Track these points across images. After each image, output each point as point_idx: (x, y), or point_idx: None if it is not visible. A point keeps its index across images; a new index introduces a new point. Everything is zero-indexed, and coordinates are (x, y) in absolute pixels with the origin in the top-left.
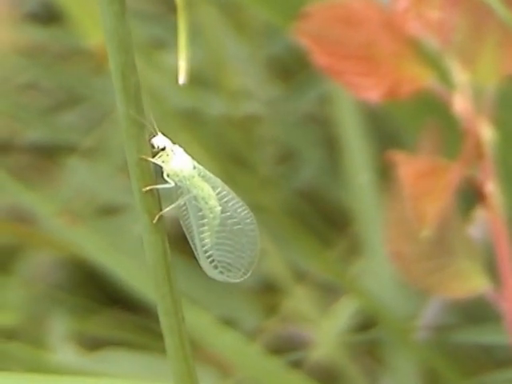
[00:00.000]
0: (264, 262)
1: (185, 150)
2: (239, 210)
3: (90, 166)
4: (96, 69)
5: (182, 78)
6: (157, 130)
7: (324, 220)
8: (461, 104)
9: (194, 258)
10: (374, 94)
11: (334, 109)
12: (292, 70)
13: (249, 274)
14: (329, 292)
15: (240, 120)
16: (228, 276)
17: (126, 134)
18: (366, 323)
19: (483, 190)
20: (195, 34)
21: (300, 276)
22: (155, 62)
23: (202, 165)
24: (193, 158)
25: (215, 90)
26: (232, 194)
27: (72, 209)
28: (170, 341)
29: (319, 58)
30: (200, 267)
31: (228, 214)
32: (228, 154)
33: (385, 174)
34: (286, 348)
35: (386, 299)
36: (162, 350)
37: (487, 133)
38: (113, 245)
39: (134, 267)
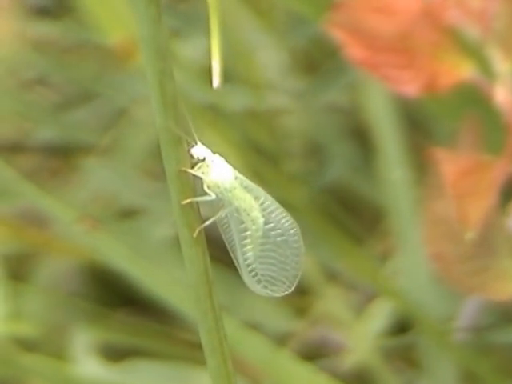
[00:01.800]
0: None
1: (225, 159)
2: (283, 221)
3: (107, 166)
4: (108, 64)
5: (216, 81)
6: (196, 139)
7: (355, 218)
8: (503, 96)
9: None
10: (411, 87)
11: (363, 100)
12: (317, 60)
13: (293, 288)
14: (362, 293)
15: (265, 114)
16: (272, 290)
17: (164, 145)
18: (401, 325)
19: None
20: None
21: (331, 277)
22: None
23: (231, 164)
24: (234, 167)
25: (239, 83)
26: (275, 205)
27: (90, 212)
28: (211, 359)
29: (353, 50)
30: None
31: (271, 225)
32: (253, 150)
33: (419, 168)
34: (318, 353)
35: (421, 300)
36: (186, 358)
37: None
38: (134, 249)
39: (157, 273)
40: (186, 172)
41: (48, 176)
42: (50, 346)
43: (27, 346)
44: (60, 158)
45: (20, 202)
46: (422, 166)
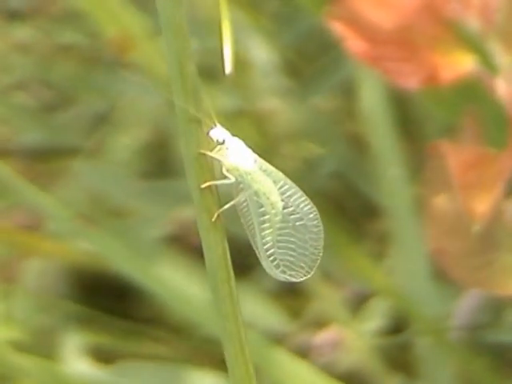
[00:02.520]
0: None
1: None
2: (302, 205)
3: (94, 167)
4: (92, 65)
5: (228, 68)
6: (215, 121)
7: (350, 216)
8: (505, 89)
9: None
10: (412, 81)
11: (356, 98)
12: (308, 60)
13: (312, 273)
14: (358, 292)
15: (256, 113)
16: (290, 275)
17: (183, 127)
18: (397, 324)
19: None
20: (206, 24)
21: (327, 276)
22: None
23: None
24: (253, 150)
25: (229, 83)
26: (295, 188)
27: (82, 212)
28: (229, 346)
29: (354, 43)
30: None
31: (290, 209)
32: None
33: (415, 165)
34: (314, 353)
35: (417, 299)
36: (174, 359)
37: None
38: (127, 248)
39: (152, 270)
40: (204, 155)
41: (34, 179)
42: (39, 347)
43: (17, 347)
44: (46, 162)
45: (8, 203)
46: (417, 163)
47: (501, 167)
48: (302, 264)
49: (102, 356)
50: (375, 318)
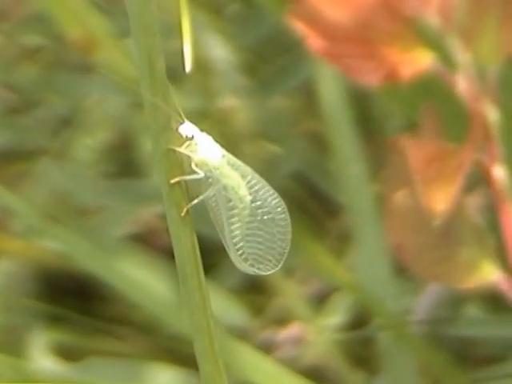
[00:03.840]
0: None
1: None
2: (270, 199)
3: (59, 168)
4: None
5: (188, 66)
6: (184, 117)
7: (312, 213)
8: (464, 85)
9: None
10: (372, 77)
11: (315, 98)
12: (267, 58)
13: (280, 266)
14: (320, 288)
15: (217, 112)
16: (258, 268)
17: (152, 123)
18: (359, 319)
19: (489, 172)
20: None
21: (289, 272)
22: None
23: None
24: (221, 145)
25: (190, 82)
26: (262, 183)
27: (47, 212)
28: (198, 339)
29: (314, 41)
30: None
31: (258, 203)
32: None
33: (374, 162)
34: (277, 348)
35: (378, 294)
36: (141, 357)
37: (492, 114)
38: (92, 247)
39: (117, 269)
40: (173, 150)
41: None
42: (6, 346)
43: None
44: (11, 164)
45: None
46: (377, 161)
47: (460, 161)
48: (270, 257)
49: (69, 354)
50: (337, 314)
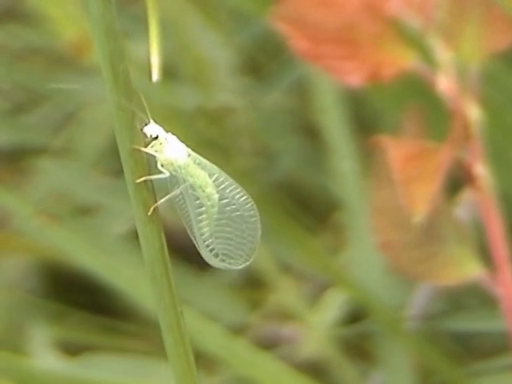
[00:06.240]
0: None
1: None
2: (237, 197)
3: (60, 166)
4: (56, 67)
5: (155, 75)
6: (149, 118)
7: (306, 211)
8: (445, 84)
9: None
10: (355, 77)
11: (310, 95)
12: (264, 58)
13: (250, 261)
14: (315, 284)
15: (214, 112)
16: (229, 263)
17: (117, 124)
18: (354, 315)
19: (472, 171)
20: (163, 25)
21: (284, 269)
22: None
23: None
24: (187, 145)
25: (187, 82)
26: (229, 181)
27: (47, 210)
28: (169, 338)
29: (297, 42)
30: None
31: (226, 200)
32: (204, 148)
33: (368, 160)
34: (273, 345)
35: (373, 290)
36: (143, 352)
37: (474, 112)
38: (91, 245)
39: (115, 266)
40: (139, 150)
41: (0, 179)
42: (8, 343)
43: None
44: (13, 162)
45: None
46: (370, 157)
47: (440, 160)
48: (241, 252)
49: (72, 351)
50: (333, 309)
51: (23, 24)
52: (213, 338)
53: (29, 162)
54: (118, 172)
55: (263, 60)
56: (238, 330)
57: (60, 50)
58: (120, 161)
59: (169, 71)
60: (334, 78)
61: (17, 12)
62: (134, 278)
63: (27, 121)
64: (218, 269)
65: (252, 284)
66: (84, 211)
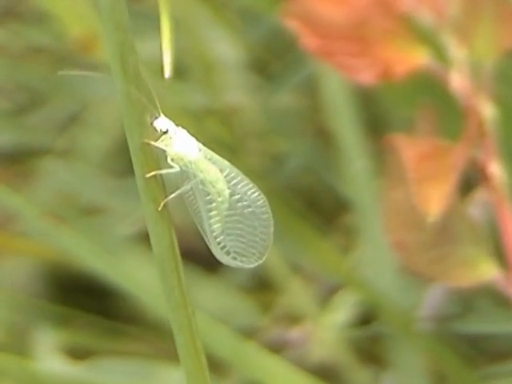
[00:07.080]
0: None
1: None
2: (249, 193)
3: (65, 167)
4: (60, 66)
5: (167, 72)
6: (159, 111)
7: (317, 211)
8: (458, 81)
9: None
10: (367, 75)
11: (321, 94)
12: (274, 56)
13: (264, 259)
14: (326, 286)
15: (223, 110)
16: (242, 261)
17: (126, 118)
18: (365, 317)
19: (486, 170)
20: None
21: (295, 270)
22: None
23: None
24: (197, 139)
25: (196, 80)
26: (241, 176)
27: (52, 212)
28: (179, 337)
29: (308, 40)
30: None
31: (237, 196)
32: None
33: (380, 159)
34: (284, 346)
35: (384, 291)
36: (150, 356)
37: (488, 110)
38: (97, 246)
39: (122, 267)
40: (149, 145)
41: (5, 180)
42: (13, 346)
43: None
44: (18, 163)
45: None
46: (382, 157)
47: (455, 159)
48: (253, 250)
49: (78, 354)
50: (344, 311)
51: (25, 23)
52: (222, 341)
53: (33, 163)
54: (124, 172)
55: (272, 59)
56: (247, 333)
57: (64, 48)
58: (126, 161)
59: (177, 70)
60: (345, 76)
61: (19, 11)
62: (141, 279)
63: (31, 121)
64: (226, 271)
65: (262, 285)
66: (89, 212)
